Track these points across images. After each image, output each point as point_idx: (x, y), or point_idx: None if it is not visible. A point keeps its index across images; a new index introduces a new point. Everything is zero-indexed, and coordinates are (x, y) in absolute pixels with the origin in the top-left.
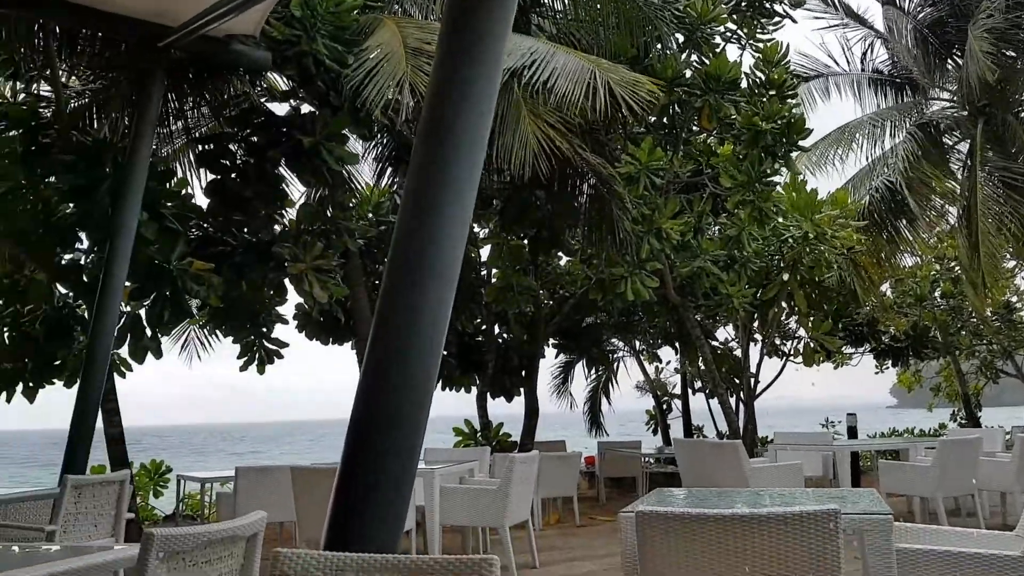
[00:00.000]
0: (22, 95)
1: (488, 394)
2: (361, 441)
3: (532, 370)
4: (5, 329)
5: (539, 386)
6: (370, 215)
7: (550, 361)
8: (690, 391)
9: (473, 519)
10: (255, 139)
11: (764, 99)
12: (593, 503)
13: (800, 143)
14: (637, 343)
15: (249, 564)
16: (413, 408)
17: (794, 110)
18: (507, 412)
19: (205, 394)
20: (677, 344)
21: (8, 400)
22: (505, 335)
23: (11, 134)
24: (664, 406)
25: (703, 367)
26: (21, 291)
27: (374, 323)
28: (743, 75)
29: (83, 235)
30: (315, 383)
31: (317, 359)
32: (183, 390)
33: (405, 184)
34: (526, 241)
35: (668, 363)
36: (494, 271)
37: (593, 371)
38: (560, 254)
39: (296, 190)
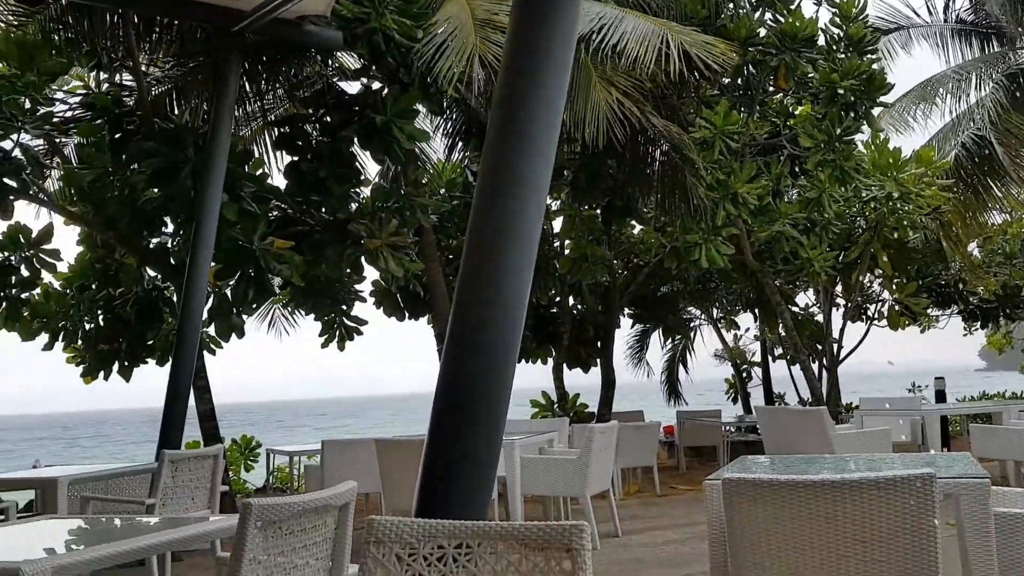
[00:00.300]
0: (106, 85)
1: (564, 365)
2: (446, 413)
3: (608, 340)
4: (100, 312)
5: (615, 356)
6: (442, 191)
7: (625, 331)
8: (770, 358)
9: (554, 489)
10: (328, 119)
11: (842, 55)
12: (673, 473)
13: (881, 99)
14: (714, 311)
15: (342, 532)
16: (497, 377)
17: (874, 65)
18: (583, 383)
19: (288, 371)
20: (756, 311)
21: (106, 378)
22: (579, 306)
23: (97, 123)
24: (744, 374)
25: (783, 333)
26: (113, 275)
27: (456, 294)
28: (819, 31)
29: (168, 219)
30: (393, 358)
31: (395, 335)
32: (267, 367)
33: (483, 153)
34: (599, 211)
35: (747, 330)
36: (567, 242)
37: (669, 340)
38: (633, 223)
39: (370, 168)
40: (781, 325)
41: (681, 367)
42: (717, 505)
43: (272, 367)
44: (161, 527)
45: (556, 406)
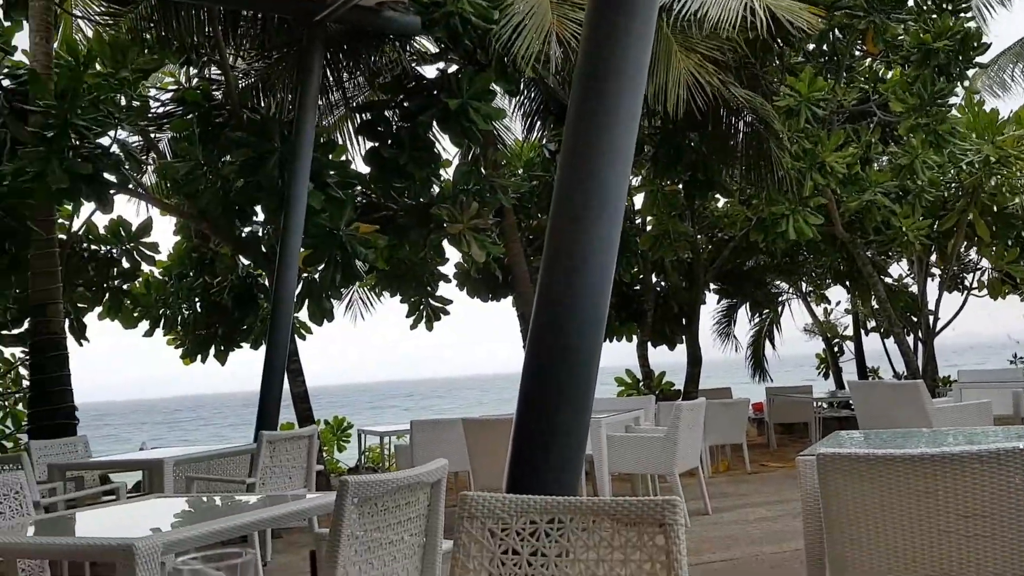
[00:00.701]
0: (195, 80)
1: (649, 343)
2: (535, 390)
3: (693, 317)
4: (197, 299)
5: (700, 333)
6: (521, 171)
7: (711, 307)
8: (863, 332)
9: (641, 467)
10: (407, 104)
11: (934, 15)
12: (763, 450)
13: (976, 60)
14: (803, 284)
15: (434, 509)
16: (584, 354)
17: (968, 24)
18: (668, 361)
19: (368, 354)
20: (847, 283)
21: (203, 362)
22: (663, 283)
23: (188, 117)
24: (835, 348)
25: (876, 306)
26: (209, 264)
27: (541, 272)
28: None
29: (258, 208)
30: (477, 340)
31: (478, 316)
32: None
33: (565, 130)
34: (680, 186)
35: (838, 303)
36: (648, 219)
37: (756, 315)
38: (717, 196)
39: (450, 151)
40: (874, 297)
41: (768, 343)
42: (811, 481)
43: (352, 350)
44: (262, 505)
45: (641, 384)
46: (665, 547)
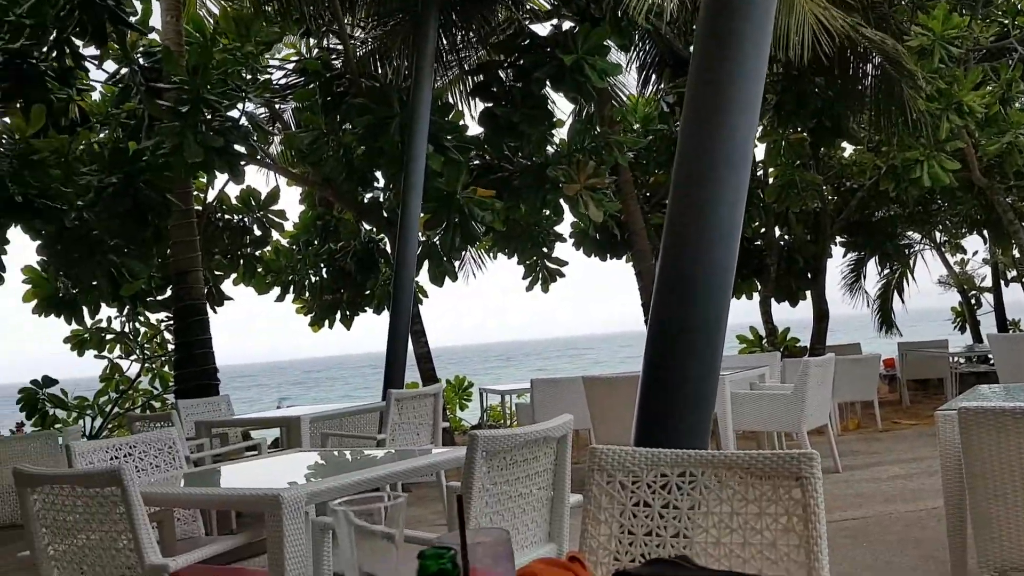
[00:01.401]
0: (315, 51)
1: (772, 299)
2: (662, 345)
3: (818, 271)
4: (323, 265)
5: (827, 287)
6: (637, 126)
7: (837, 260)
8: (1003, 283)
9: (767, 424)
10: (521, 63)
11: None
12: (895, 407)
13: None
14: (937, 234)
15: (561, 463)
16: (713, 308)
17: None
18: (793, 317)
19: (488, 314)
20: (985, 232)
21: (330, 327)
22: (787, 236)
23: (310, 87)
24: (972, 301)
25: (1017, 255)
26: (333, 230)
27: (666, 225)
28: None
29: (379, 174)
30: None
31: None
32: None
33: (689, 79)
34: (805, 134)
35: (975, 253)
36: (771, 170)
37: (885, 268)
38: (844, 144)
39: (564, 111)
40: (1015, 246)
41: (897, 296)
42: (951, 437)
43: (469, 312)
44: (394, 459)
45: (764, 341)
46: (802, 500)
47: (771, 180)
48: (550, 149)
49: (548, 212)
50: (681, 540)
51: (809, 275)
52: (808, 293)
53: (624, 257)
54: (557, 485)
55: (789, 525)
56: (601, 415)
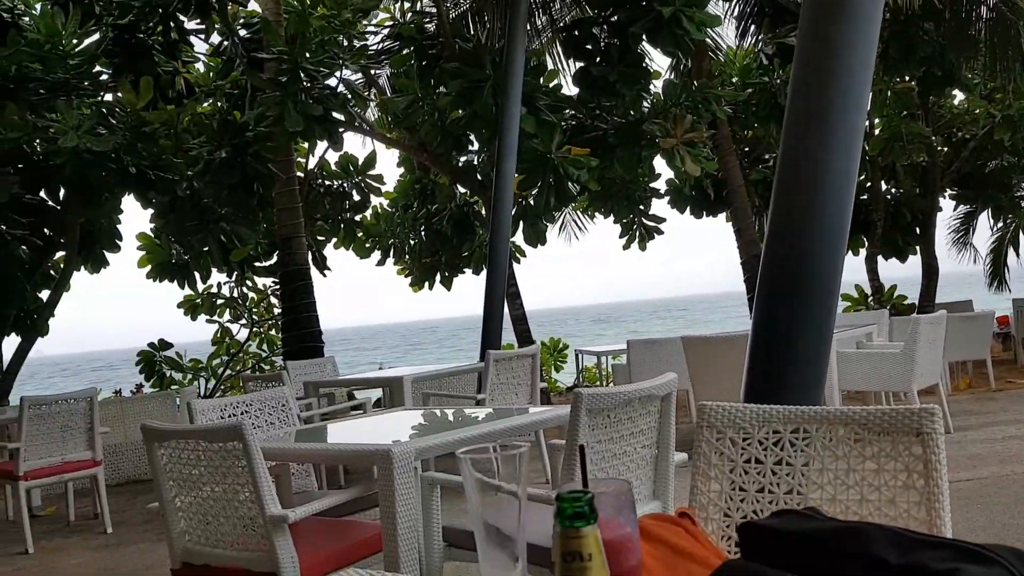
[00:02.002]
0: (409, 15)
1: (878, 256)
2: (773, 301)
3: (927, 226)
4: (422, 229)
5: (936, 243)
6: (735, 79)
7: (946, 214)
8: None
9: (875, 384)
10: (616, 18)
11: None
12: (1009, 366)
13: None
14: None
15: (665, 421)
16: (827, 262)
17: None
18: (899, 274)
19: (584, 276)
20: None
21: (430, 288)
22: (894, 190)
23: (405, 52)
24: None
25: None
26: (430, 194)
27: (776, 177)
28: None
29: (473, 136)
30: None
31: (687, 235)
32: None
33: (800, 26)
34: (913, 83)
35: None
36: (876, 121)
37: (999, 222)
38: (955, 92)
39: (660, 66)
40: None
41: (1011, 251)
42: None
43: (565, 273)
44: (495, 417)
45: (870, 299)
46: (923, 456)
47: (876, 132)
48: (645, 105)
49: (643, 169)
50: (795, 497)
51: (917, 230)
52: (917, 249)
53: (721, 215)
54: (661, 443)
55: (909, 482)
56: (701, 375)
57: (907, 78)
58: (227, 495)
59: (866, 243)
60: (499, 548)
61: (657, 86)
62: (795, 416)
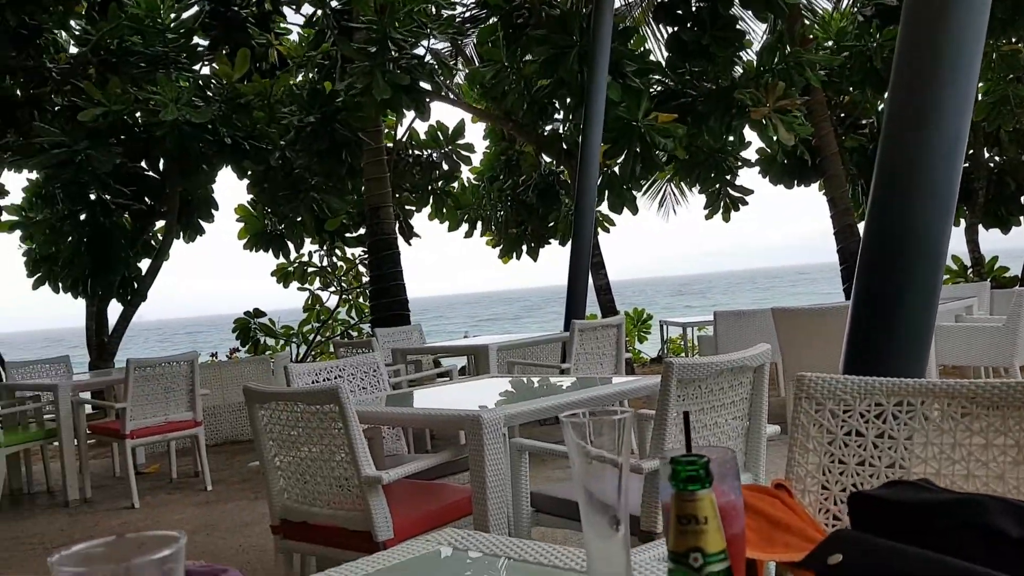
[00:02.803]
0: None
1: (979, 226)
2: (875, 276)
3: None
4: (508, 200)
5: None
6: (831, 43)
7: None
8: None
9: (975, 359)
10: None
11: None
12: None
13: None
14: None
15: (758, 393)
16: (933, 227)
17: None
18: (1002, 246)
19: (673, 247)
20: None
21: (517, 259)
22: (997, 158)
23: (492, 21)
24: None
25: None
26: (515, 164)
27: (881, 143)
28: None
29: (558, 104)
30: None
31: (778, 203)
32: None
33: None
34: (1021, 45)
35: None
36: (981, 85)
37: None
38: None
39: (754, 30)
40: None
41: None
42: None
43: (655, 245)
44: (580, 386)
45: (969, 271)
46: None
47: (981, 97)
48: (737, 71)
49: (733, 138)
50: (896, 471)
51: (1022, 200)
52: (1021, 220)
53: (814, 184)
54: (753, 415)
55: (1019, 458)
56: (792, 348)
57: (1014, 40)
58: (324, 456)
59: (967, 213)
60: (601, 513)
61: (750, 54)
62: (899, 388)
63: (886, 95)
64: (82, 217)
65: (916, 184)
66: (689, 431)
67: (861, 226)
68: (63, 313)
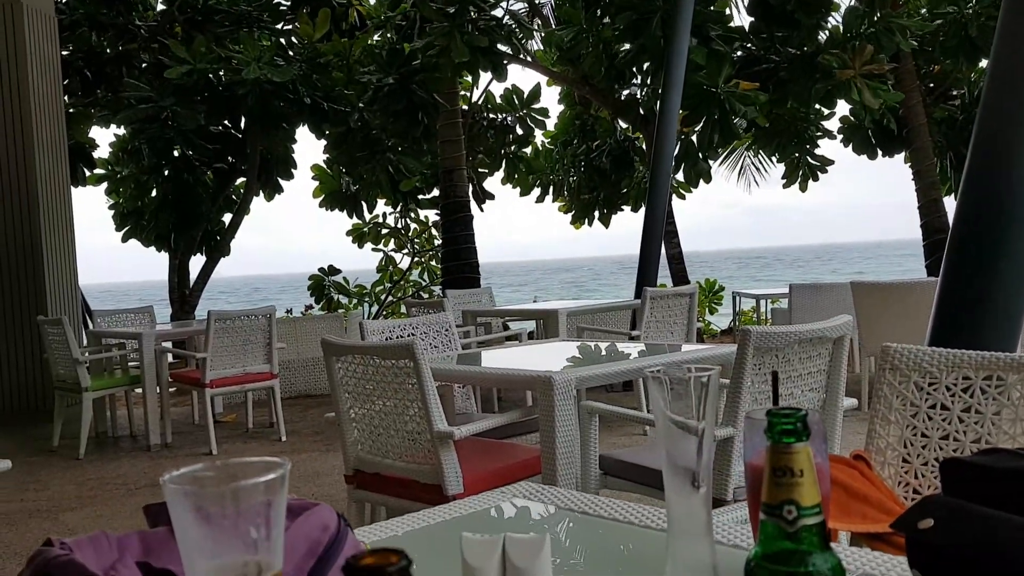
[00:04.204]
0: None
1: None
2: (967, 244)
3: None
4: (581, 165)
5: None
6: (924, 9)
7: None
8: None
9: None
10: None
11: None
12: None
13: None
14: None
15: (836, 365)
16: None
17: None
18: None
19: (746, 221)
20: None
21: (589, 224)
22: None
23: None
24: None
25: None
26: (590, 129)
27: (979, 116)
28: None
29: (636, 70)
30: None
31: (860, 175)
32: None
33: None
34: None
35: None
36: None
37: None
38: None
39: None
40: None
41: None
42: None
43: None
44: (648, 353)
45: None
46: None
47: None
48: (822, 36)
49: (817, 105)
50: (982, 446)
51: None
52: None
53: (900, 155)
54: (831, 388)
55: None
56: (870, 323)
57: None
58: (397, 409)
59: None
60: (682, 472)
61: (836, 19)
62: (990, 362)
63: (987, 62)
64: (166, 173)
65: (1015, 154)
66: (777, 390)
67: (947, 201)
68: (149, 267)
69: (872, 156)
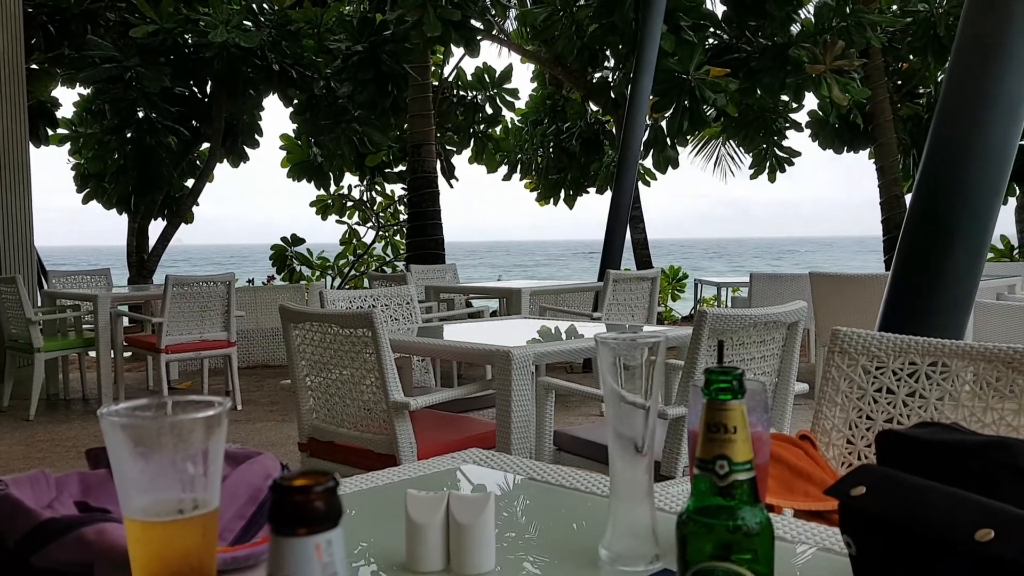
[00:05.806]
0: None
1: None
2: (922, 238)
3: None
4: (550, 145)
5: None
6: (894, 6)
7: None
8: None
9: (1013, 338)
10: None
11: None
12: None
13: None
14: None
15: (789, 349)
16: (983, 196)
17: None
18: None
19: (715, 211)
20: None
21: (555, 204)
22: None
23: None
24: None
25: None
26: (560, 110)
27: (941, 101)
28: None
29: (609, 52)
30: (823, 195)
31: (830, 170)
32: (695, 205)
33: None
34: None
35: None
36: None
37: None
38: None
39: None
40: None
41: None
42: None
43: (696, 204)
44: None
45: (1016, 252)
46: None
47: None
48: (794, 28)
49: (787, 97)
50: None
51: None
52: None
53: (863, 151)
54: (783, 372)
55: None
56: (826, 314)
57: None
58: (354, 379)
59: (1017, 191)
60: (627, 436)
61: (808, 12)
62: (935, 348)
63: (949, 59)
64: (128, 134)
65: (971, 149)
66: (722, 358)
67: (908, 198)
68: (110, 233)
69: (838, 151)
